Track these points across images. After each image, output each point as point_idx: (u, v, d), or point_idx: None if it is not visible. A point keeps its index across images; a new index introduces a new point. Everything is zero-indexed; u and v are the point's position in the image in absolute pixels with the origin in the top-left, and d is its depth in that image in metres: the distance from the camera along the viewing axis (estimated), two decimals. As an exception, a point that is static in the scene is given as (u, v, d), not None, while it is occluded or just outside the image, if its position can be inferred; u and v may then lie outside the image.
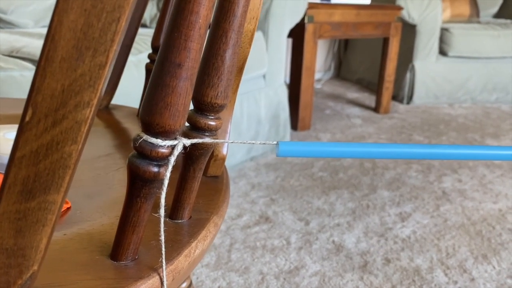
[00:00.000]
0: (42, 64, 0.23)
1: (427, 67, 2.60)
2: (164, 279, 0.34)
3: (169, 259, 0.36)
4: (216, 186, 0.50)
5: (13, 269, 0.27)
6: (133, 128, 0.69)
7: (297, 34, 2.04)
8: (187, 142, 0.33)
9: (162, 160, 0.33)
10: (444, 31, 2.58)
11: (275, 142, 0.34)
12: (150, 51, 0.91)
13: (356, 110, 2.52)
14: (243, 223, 1.39)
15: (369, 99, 2.72)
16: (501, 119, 2.47)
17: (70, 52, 0.23)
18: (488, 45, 2.61)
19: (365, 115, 2.44)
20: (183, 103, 0.31)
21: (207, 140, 0.36)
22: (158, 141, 0.32)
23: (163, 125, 0.31)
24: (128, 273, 0.34)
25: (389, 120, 2.38)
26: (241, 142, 0.34)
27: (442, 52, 2.61)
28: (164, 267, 0.34)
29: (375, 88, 2.70)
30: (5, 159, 0.51)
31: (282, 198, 1.54)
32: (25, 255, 0.27)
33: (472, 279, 1.16)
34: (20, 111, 0.70)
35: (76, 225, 0.40)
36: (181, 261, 0.37)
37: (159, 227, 0.39)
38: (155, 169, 0.32)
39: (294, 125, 2.13)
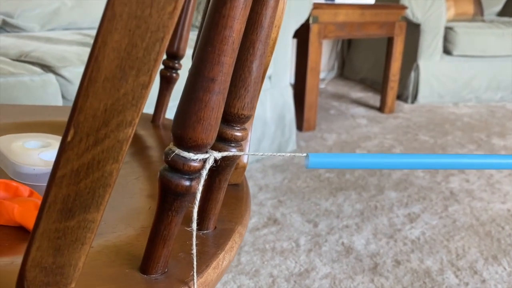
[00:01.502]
0: (85, 84, 0.23)
1: (432, 66, 2.60)
2: (195, 293, 0.34)
3: (199, 272, 0.36)
4: (237, 195, 0.50)
5: (51, 287, 0.27)
6: (147, 134, 0.69)
7: (302, 34, 2.04)
8: (218, 155, 0.33)
9: (193, 173, 0.33)
10: (448, 30, 2.58)
11: (304, 154, 0.34)
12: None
13: (360, 110, 2.52)
14: (251, 225, 1.39)
15: (373, 98, 2.72)
16: (506, 118, 2.47)
17: (114, 72, 0.23)
18: (492, 44, 2.61)
19: (370, 115, 2.44)
20: (216, 117, 0.31)
21: (237, 153, 0.35)
22: (191, 155, 0.32)
23: (195, 139, 0.31)
24: (159, 287, 0.34)
25: (394, 119, 2.38)
26: (271, 155, 0.34)
27: (447, 51, 2.61)
28: (195, 280, 0.34)
29: (379, 87, 2.70)
30: (25, 169, 0.51)
31: (290, 199, 1.54)
32: (63, 273, 0.27)
33: (483, 281, 1.16)
34: (35, 118, 0.70)
35: (102, 236, 0.40)
36: (210, 273, 0.37)
37: (189, 239, 0.39)
38: (187, 183, 0.32)
39: (299, 125, 2.13)
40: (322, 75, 3.09)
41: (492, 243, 1.32)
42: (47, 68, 1.16)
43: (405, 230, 1.38)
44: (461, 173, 1.77)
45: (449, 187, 1.66)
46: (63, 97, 1.14)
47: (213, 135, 0.32)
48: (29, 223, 0.42)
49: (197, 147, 0.32)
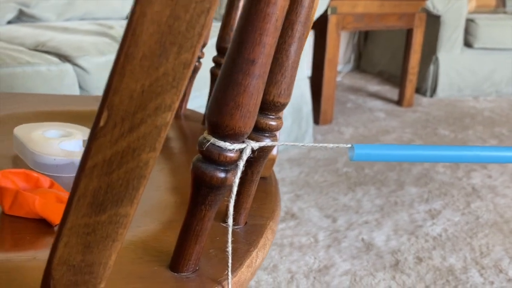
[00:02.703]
0: (121, 61, 0.20)
1: (452, 59, 2.54)
2: (230, 293, 0.31)
3: (232, 270, 0.33)
4: (266, 188, 0.47)
5: (79, 287, 0.25)
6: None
7: (319, 26, 2.00)
8: (256, 145, 0.31)
9: (229, 165, 0.30)
10: (469, 22, 2.51)
11: (349, 145, 0.31)
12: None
13: (378, 103, 2.47)
14: (269, 220, 1.36)
15: (391, 92, 2.67)
16: (528, 113, 2.40)
17: (153, 48, 0.20)
18: (515, 36, 2.54)
19: (388, 109, 2.39)
20: (255, 103, 0.29)
21: (277, 143, 0.33)
22: (227, 145, 0.29)
23: (233, 127, 0.29)
24: (191, 286, 0.31)
25: (413, 113, 2.33)
26: (312, 145, 0.31)
27: (467, 43, 2.55)
28: (230, 280, 0.31)
29: (397, 80, 2.64)
30: (46, 159, 0.49)
31: (307, 194, 1.51)
32: (92, 272, 0.24)
33: (509, 280, 1.12)
34: (54, 108, 0.68)
35: (128, 231, 0.37)
36: (244, 272, 0.34)
37: (220, 235, 0.36)
38: (222, 175, 0.30)
39: (316, 118, 2.10)
40: (338, 67, 3.04)
41: (518, 241, 1.28)
42: (64, 58, 1.14)
43: (427, 227, 1.34)
44: (483, 168, 1.73)
45: (470, 183, 1.62)
46: (80, 87, 1.13)
47: (251, 123, 0.29)
48: (51, 216, 0.40)
49: (234, 136, 0.29)
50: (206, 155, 0.29)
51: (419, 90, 2.62)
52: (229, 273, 0.31)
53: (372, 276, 1.13)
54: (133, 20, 0.19)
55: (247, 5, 0.27)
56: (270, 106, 0.35)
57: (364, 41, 3.14)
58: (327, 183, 1.58)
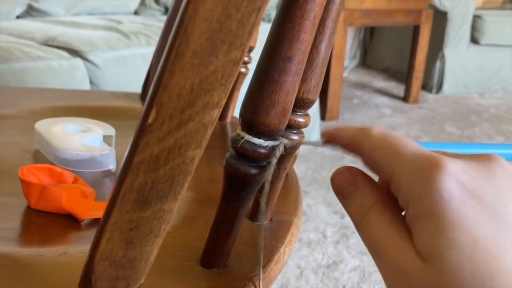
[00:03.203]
0: (172, 58, 0.20)
1: (458, 55, 2.53)
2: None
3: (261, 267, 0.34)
4: (288, 185, 0.47)
5: (120, 282, 0.25)
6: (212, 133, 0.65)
7: (327, 22, 1.99)
8: (288, 143, 0.31)
9: (262, 161, 0.30)
10: (476, 18, 2.51)
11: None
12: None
13: (384, 100, 2.47)
14: (277, 216, 1.37)
15: (397, 88, 2.67)
16: (535, 110, 2.40)
17: (204, 45, 0.20)
18: (522, 33, 2.53)
19: (394, 105, 2.39)
20: (290, 100, 0.29)
21: (312, 143, 0.33)
22: (261, 142, 0.29)
23: (268, 124, 0.29)
24: (222, 282, 0.32)
25: (419, 110, 2.33)
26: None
27: (474, 40, 2.54)
28: (261, 276, 0.32)
29: (403, 77, 2.64)
30: (68, 154, 0.49)
31: (315, 190, 1.52)
32: (134, 267, 0.25)
33: None
34: (70, 102, 0.68)
35: (155, 226, 0.38)
36: (273, 268, 0.34)
37: (246, 231, 0.36)
38: (256, 171, 0.30)
39: (322, 114, 2.10)
40: (344, 63, 3.04)
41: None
42: (74, 52, 1.14)
43: (434, 223, 1.35)
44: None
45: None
46: (91, 82, 1.13)
47: (286, 121, 0.30)
48: (77, 211, 0.40)
49: (268, 133, 0.29)
50: (240, 152, 0.29)
51: (425, 86, 2.62)
52: (260, 270, 0.31)
53: (381, 272, 1.13)
54: (185, 17, 0.20)
55: (286, 1, 0.27)
56: (299, 103, 0.35)
57: (370, 37, 3.13)
58: (334, 179, 1.58)
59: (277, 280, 1.11)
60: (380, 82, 2.80)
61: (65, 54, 1.12)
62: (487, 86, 2.62)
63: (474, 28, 2.52)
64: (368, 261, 1.17)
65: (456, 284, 0.19)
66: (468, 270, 0.19)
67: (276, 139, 0.30)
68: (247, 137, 0.29)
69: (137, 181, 0.22)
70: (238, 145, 0.29)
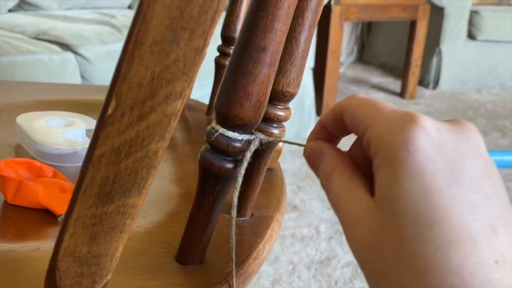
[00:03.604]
0: (130, 47, 0.19)
1: (455, 51, 2.52)
2: (234, 286, 0.31)
3: (238, 262, 0.33)
4: (272, 180, 0.46)
5: (85, 279, 0.24)
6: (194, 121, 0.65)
7: (322, 16, 1.98)
8: (265, 138, 0.30)
9: (237, 155, 0.29)
10: (473, 13, 2.49)
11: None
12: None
13: (381, 96, 2.46)
14: (271, 211, 1.36)
15: (393, 84, 2.66)
16: (531, 106, 2.39)
17: (164, 33, 0.19)
18: (519, 29, 2.52)
19: (391, 101, 2.38)
20: (265, 92, 0.28)
21: (285, 140, 0.32)
22: (236, 135, 0.29)
23: (242, 117, 0.28)
24: (198, 278, 0.31)
25: (416, 106, 2.32)
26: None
27: (471, 35, 2.53)
28: (234, 272, 0.31)
29: (399, 72, 2.63)
30: (49, 149, 0.48)
31: (309, 186, 1.51)
32: (99, 264, 0.24)
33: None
34: (56, 96, 0.67)
35: (132, 222, 0.37)
36: (251, 264, 0.34)
37: (226, 226, 0.36)
38: (230, 165, 0.29)
39: (318, 110, 2.09)
40: (341, 59, 3.03)
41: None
42: (65, 46, 1.13)
43: (429, 219, 1.34)
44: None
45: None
46: (82, 76, 1.12)
47: (261, 113, 0.29)
48: (54, 206, 0.39)
49: (243, 126, 0.28)
50: (214, 146, 0.29)
51: (422, 82, 2.61)
52: (233, 265, 0.30)
53: (374, 268, 1.13)
54: (144, 4, 0.19)
55: (258, -10, 0.26)
56: (279, 96, 0.34)
57: (367, 32, 3.12)
58: (329, 175, 1.58)
59: (269, 276, 1.11)
60: (377, 78, 2.79)
61: (56, 48, 1.11)
62: (484, 82, 2.61)
63: (471, 24, 2.51)
64: (361, 257, 1.17)
65: (396, 230, 0.20)
66: (410, 218, 0.20)
67: (252, 133, 0.30)
68: (222, 130, 0.29)
69: (99, 175, 0.22)
70: (212, 138, 0.29)
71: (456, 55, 2.53)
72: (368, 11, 2.08)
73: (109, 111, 0.20)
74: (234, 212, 0.30)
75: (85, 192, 0.22)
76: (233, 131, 0.28)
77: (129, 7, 1.79)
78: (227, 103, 0.28)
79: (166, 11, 0.19)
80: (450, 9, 2.43)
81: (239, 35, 0.28)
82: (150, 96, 0.20)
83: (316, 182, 1.52)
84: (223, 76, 0.28)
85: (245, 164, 0.30)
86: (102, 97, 0.69)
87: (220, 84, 0.29)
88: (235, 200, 0.30)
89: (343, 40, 3.01)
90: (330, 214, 1.35)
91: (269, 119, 0.35)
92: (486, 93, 2.57)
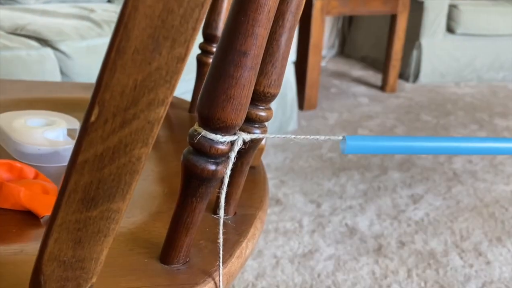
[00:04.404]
0: (112, 56, 0.20)
1: (434, 44, 2.55)
2: (221, 285, 0.31)
3: (222, 261, 0.33)
4: (255, 178, 0.47)
5: (70, 282, 0.24)
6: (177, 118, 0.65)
7: (304, 10, 1.99)
8: (247, 137, 0.30)
9: (220, 157, 0.30)
10: (452, 7, 2.53)
11: (340, 137, 0.31)
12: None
13: (362, 89, 2.48)
14: (254, 206, 1.37)
15: (374, 77, 2.68)
16: (508, 98, 2.45)
17: (146, 42, 0.19)
18: (496, 22, 2.56)
19: (371, 94, 2.41)
20: (246, 95, 0.28)
21: (268, 135, 0.33)
22: (218, 137, 0.29)
23: (224, 119, 0.28)
24: (182, 278, 0.31)
25: (396, 99, 2.35)
26: (303, 138, 0.31)
27: (450, 29, 2.56)
28: (221, 271, 0.31)
29: (380, 66, 2.66)
30: (30, 149, 0.48)
31: (292, 180, 1.52)
32: (84, 267, 0.24)
33: (488, 262, 1.15)
34: (36, 95, 0.66)
35: (116, 222, 0.37)
36: (234, 263, 0.34)
37: (210, 226, 0.36)
38: (214, 167, 0.30)
39: (300, 104, 2.10)
40: (322, 52, 3.04)
41: (496, 225, 1.31)
42: (44, 42, 1.11)
43: (409, 211, 1.37)
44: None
45: (452, 167, 1.65)
46: (62, 72, 1.10)
47: (243, 115, 0.29)
48: (37, 208, 0.39)
49: (225, 129, 0.29)
50: (197, 148, 0.29)
51: (402, 75, 2.64)
52: (220, 265, 0.31)
53: (356, 261, 1.15)
54: (125, 14, 0.19)
55: (239, -5, 0.27)
56: (260, 96, 0.35)
57: (348, 26, 3.14)
58: (311, 169, 1.59)
59: (253, 270, 1.12)
60: (358, 71, 2.81)
61: (34, 43, 1.09)
62: (462, 75, 2.65)
63: (450, 18, 2.55)
64: (343, 250, 1.19)
65: None
66: None
67: (234, 134, 0.30)
68: (204, 132, 0.29)
69: (82, 181, 0.22)
70: (195, 141, 0.29)
71: (436, 49, 2.57)
72: (349, 5, 2.09)
73: (92, 118, 0.21)
74: (221, 213, 0.31)
75: (69, 198, 0.22)
76: (216, 133, 0.29)
77: (109, 0, 1.77)
78: (209, 106, 0.28)
79: (148, 21, 0.19)
80: (429, 3, 2.46)
81: (220, 38, 0.28)
82: (132, 104, 0.21)
83: (299, 176, 1.54)
84: (205, 78, 0.29)
85: (230, 165, 0.30)
86: (83, 95, 0.69)
87: (203, 86, 0.29)
88: (222, 201, 0.31)
89: (325, 33, 3.02)
90: (312, 208, 1.37)
91: (251, 120, 0.36)
92: (464, 86, 2.62)
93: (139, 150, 0.22)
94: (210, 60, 0.61)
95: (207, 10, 0.20)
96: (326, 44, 3.06)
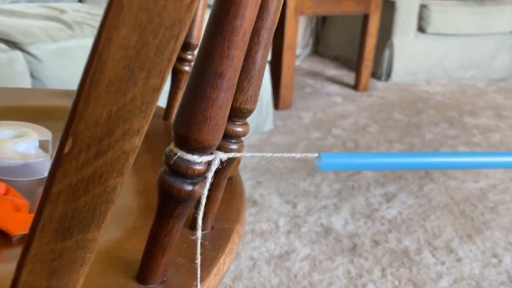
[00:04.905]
0: (86, 88, 0.19)
1: (406, 44, 2.60)
2: (199, 303, 0.31)
3: (200, 280, 0.33)
4: (232, 189, 0.47)
5: (45, 312, 0.24)
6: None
7: (278, 10, 1.99)
8: (224, 156, 0.30)
9: (198, 177, 0.30)
10: (422, 7, 2.58)
11: (316, 155, 0.31)
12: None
13: (335, 88, 2.51)
14: (230, 207, 1.37)
15: (348, 76, 2.72)
16: (477, 96, 2.51)
17: (120, 73, 0.19)
18: (465, 22, 2.63)
19: (345, 93, 2.44)
20: (223, 116, 0.28)
21: (245, 154, 0.33)
22: (195, 158, 0.29)
23: (201, 140, 0.28)
24: (159, 298, 0.31)
25: (368, 98, 2.39)
26: (280, 156, 0.31)
27: (421, 29, 2.61)
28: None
29: (354, 65, 2.69)
30: (0, 163, 0.46)
31: (268, 180, 1.53)
32: (59, 297, 0.24)
33: (459, 259, 1.18)
34: (5, 103, 0.64)
35: (91, 240, 0.37)
36: (212, 280, 0.34)
37: (187, 242, 0.36)
38: (190, 187, 0.29)
39: (276, 104, 2.11)
40: (297, 51, 3.05)
41: (466, 222, 1.35)
42: (12, 44, 1.08)
43: (382, 210, 1.39)
44: (435, 151, 1.80)
45: (424, 166, 1.69)
46: (32, 76, 1.08)
47: (220, 135, 0.29)
48: (8, 226, 0.38)
49: (202, 149, 0.29)
50: (173, 169, 0.29)
51: (375, 74, 2.68)
52: (198, 284, 0.31)
53: (331, 260, 1.16)
54: (99, 45, 0.19)
55: (214, 16, 0.27)
56: (237, 113, 0.35)
57: (321, 25, 3.16)
58: (287, 169, 1.60)
59: (230, 272, 1.12)
60: (332, 70, 2.84)
61: (2, 46, 1.06)
62: (433, 73, 2.71)
63: (421, 18, 2.59)
64: (319, 250, 1.20)
65: None
66: None
67: (211, 153, 0.30)
68: (180, 153, 0.29)
69: (57, 211, 0.21)
70: (171, 162, 0.29)
71: (407, 48, 2.62)
72: (323, 5, 2.11)
73: (66, 149, 0.20)
74: (199, 233, 0.31)
75: (43, 228, 0.22)
76: (192, 154, 0.29)
77: (80, 0, 1.73)
78: (185, 127, 0.28)
79: (123, 52, 0.19)
80: (400, 3, 2.50)
81: (196, 59, 0.28)
82: (107, 134, 0.20)
83: (275, 176, 1.55)
84: (182, 98, 0.29)
85: (207, 185, 0.30)
86: (56, 102, 0.67)
87: (179, 106, 0.29)
88: (200, 222, 0.31)
89: (299, 32, 3.03)
90: (288, 208, 1.38)
91: (227, 136, 0.35)
92: (435, 85, 2.67)
93: (114, 180, 0.21)
94: (185, 68, 0.61)
95: (182, 41, 0.20)
96: (300, 43, 3.08)
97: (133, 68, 0.19)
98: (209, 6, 1.55)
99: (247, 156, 1.30)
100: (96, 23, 1.23)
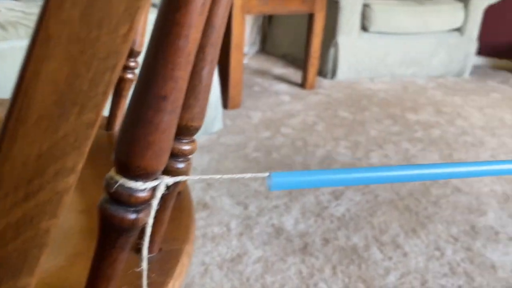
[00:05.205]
0: (11, 125, 0.17)
1: (350, 42, 2.66)
2: (147, 335, 0.30)
3: (148, 308, 0.32)
4: (180, 205, 0.45)
5: None
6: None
7: (225, 9, 1.97)
8: (170, 180, 0.29)
9: (141, 204, 0.28)
10: (365, 7, 2.65)
11: (266, 174, 0.31)
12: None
13: (283, 87, 2.53)
14: (180, 212, 1.34)
15: (295, 74, 2.74)
16: (417, 93, 2.62)
17: (50, 109, 0.17)
18: (405, 21, 2.73)
19: (292, 92, 2.46)
20: (168, 139, 0.27)
21: (192, 177, 0.31)
22: (138, 185, 0.27)
23: (144, 167, 0.26)
24: (104, 333, 0.29)
25: (315, 96, 2.42)
26: (229, 177, 0.30)
27: (364, 27, 2.68)
28: (146, 322, 0.30)
29: (300, 63, 2.72)
30: None
31: (219, 182, 1.51)
32: None
33: (405, 254, 1.23)
34: None
35: (27, 271, 0.34)
36: (161, 307, 0.33)
37: (134, 267, 0.34)
38: (134, 216, 0.28)
39: (224, 103, 2.09)
40: (244, 49, 3.05)
41: (411, 217, 1.40)
42: None
43: (331, 208, 1.42)
44: (380, 148, 1.85)
45: (369, 162, 1.73)
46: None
47: (165, 159, 0.28)
48: None
49: (145, 176, 0.27)
50: (115, 197, 0.27)
51: (321, 72, 2.72)
52: (146, 316, 0.29)
53: (283, 261, 1.17)
54: (24, 79, 0.17)
55: (156, 36, 0.25)
56: (183, 131, 0.33)
57: (268, 23, 3.17)
58: (237, 170, 1.59)
59: (182, 279, 1.10)
60: (279, 69, 2.86)
61: None
62: (376, 71, 2.79)
63: (364, 17, 2.66)
64: (271, 251, 1.20)
65: None
66: None
67: (156, 178, 0.28)
68: (122, 180, 0.27)
69: (-19, 260, 0.19)
70: (112, 190, 0.27)
71: (351, 46, 2.68)
72: (269, 4, 2.11)
73: (-11, 193, 0.18)
74: (145, 265, 0.29)
75: (-35, 279, 0.19)
76: (136, 181, 0.27)
77: (13, -3, 1.63)
78: (127, 154, 0.26)
79: (52, 86, 0.17)
80: (344, 3, 2.56)
81: (137, 81, 0.26)
82: (37, 174, 0.18)
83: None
84: (122, 122, 0.27)
85: (152, 213, 0.28)
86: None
87: (120, 130, 0.27)
88: (145, 252, 0.29)
89: (246, 29, 3.03)
90: (239, 210, 1.37)
91: (174, 154, 0.34)
92: (378, 82, 2.76)
93: (46, 222, 0.19)
94: (128, 75, 0.58)
95: (119, 73, 0.18)
96: (247, 41, 3.07)
97: (64, 102, 0.17)
98: (153, 5, 1.51)
99: (196, 155, 1.26)
100: (31, 23, 1.16)
